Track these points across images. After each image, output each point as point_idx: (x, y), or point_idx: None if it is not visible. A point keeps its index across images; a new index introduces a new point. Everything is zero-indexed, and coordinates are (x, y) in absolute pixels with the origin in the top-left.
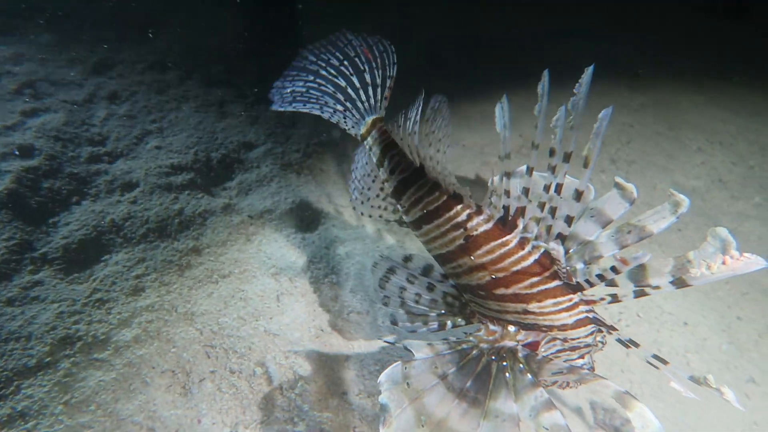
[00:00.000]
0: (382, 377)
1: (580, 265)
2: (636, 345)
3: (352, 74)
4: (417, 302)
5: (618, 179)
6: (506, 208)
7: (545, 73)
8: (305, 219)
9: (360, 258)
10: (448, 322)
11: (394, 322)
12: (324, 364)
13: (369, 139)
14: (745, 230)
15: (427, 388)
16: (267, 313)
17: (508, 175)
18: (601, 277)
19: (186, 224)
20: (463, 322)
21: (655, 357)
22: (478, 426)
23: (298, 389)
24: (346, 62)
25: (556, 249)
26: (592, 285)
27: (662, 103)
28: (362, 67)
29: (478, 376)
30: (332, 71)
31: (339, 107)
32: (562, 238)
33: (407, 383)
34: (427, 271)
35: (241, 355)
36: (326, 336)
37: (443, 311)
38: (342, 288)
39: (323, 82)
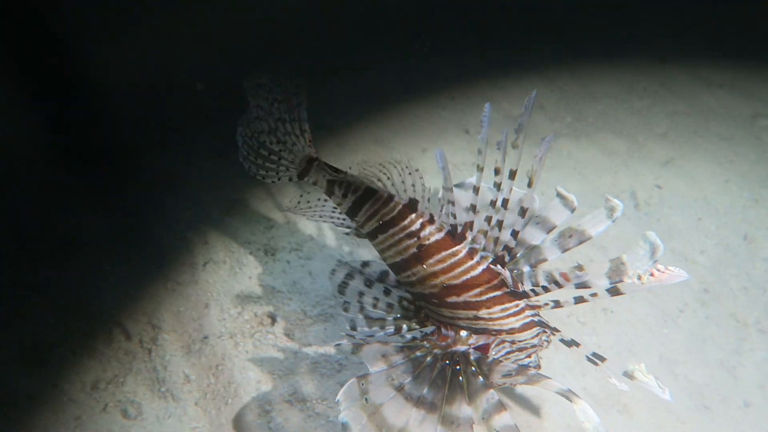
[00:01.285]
0: (340, 396)
1: (526, 269)
2: (577, 345)
3: (279, 118)
4: (375, 306)
5: (559, 189)
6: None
7: (486, 107)
8: None
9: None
10: (404, 326)
11: (353, 327)
12: None
13: (311, 175)
14: (558, 146)
15: (385, 401)
16: None
17: (476, 189)
18: (545, 288)
19: None
20: (417, 326)
21: (594, 354)
22: (436, 431)
23: None
24: (275, 103)
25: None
26: (537, 294)
27: None
28: (281, 115)
29: (434, 382)
30: (263, 122)
31: (276, 148)
32: (508, 249)
33: (365, 399)
34: (383, 276)
35: None
36: None
37: (399, 315)
38: None
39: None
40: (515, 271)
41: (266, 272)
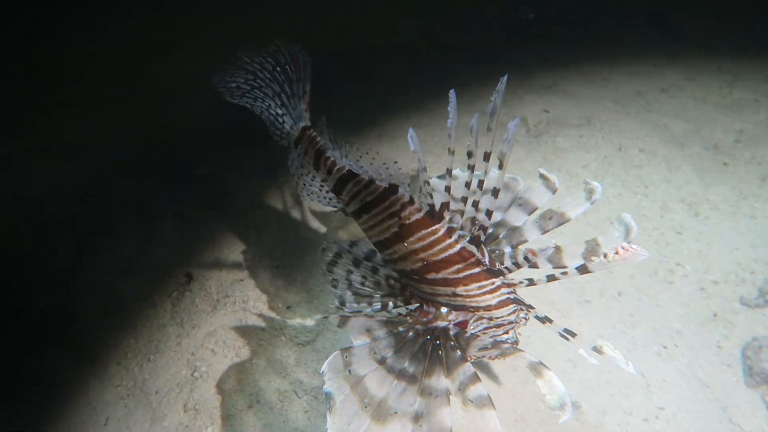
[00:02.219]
0: (324, 367)
1: (507, 249)
2: (550, 321)
3: (284, 82)
4: (363, 284)
5: (542, 170)
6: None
7: (452, 94)
8: None
9: None
10: (390, 303)
11: (342, 303)
12: None
13: (301, 145)
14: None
15: (367, 373)
16: None
17: (449, 171)
18: (516, 264)
19: None
20: (402, 303)
21: (566, 330)
22: (415, 402)
23: None
24: (278, 69)
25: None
26: (510, 271)
27: None
28: (291, 76)
29: (415, 356)
30: (268, 75)
31: (279, 111)
32: (484, 229)
33: (348, 370)
34: (370, 255)
35: None
36: None
37: (386, 292)
38: None
39: (263, 84)
40: (496, 252)
41: None
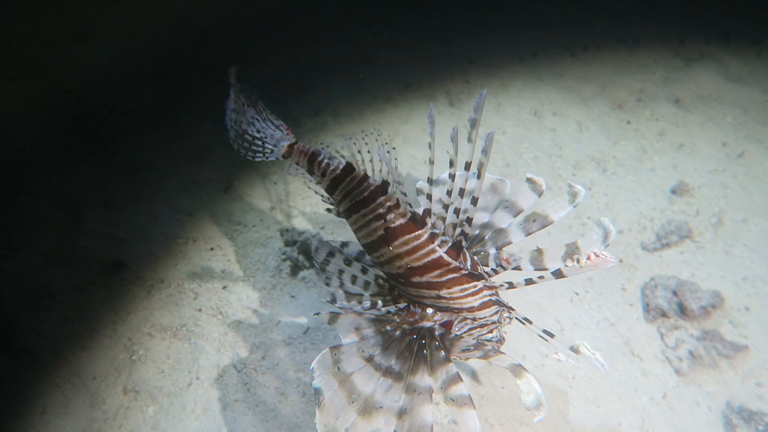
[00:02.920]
0: (314, 364)
1: (492, 251)
2: (530, 322)
3: (253, 119)
4: (353, 283)
5: (529, 175)
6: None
7: (430, 107)
8: None
9: None
10: (379, 302)
11: (333, 300)
12: None
13: (293, 156)
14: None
15: (355, 370)
16: None
17: (430, 181)
18: (501, 266)
19: None
20: (391, 301)
21: (545, 331)
22: (400, 399)
23: None
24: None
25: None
26: (496, 272)
27: None
28: (257, 116)
29: (401, 354)
30: (244, 120)
31: (257, 134)
32: (465, 235)
33: (337, 367)
34: (360, 255)
35: None
36: None
37: (375, 292)
38: None
39: (245, 128)
40: (482, 253)
41: None
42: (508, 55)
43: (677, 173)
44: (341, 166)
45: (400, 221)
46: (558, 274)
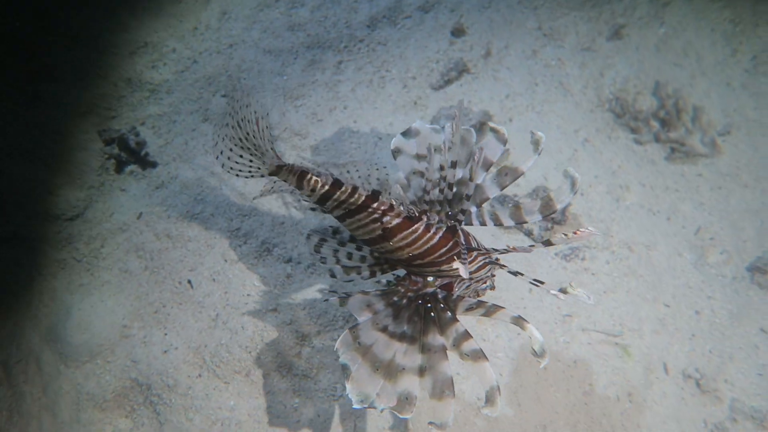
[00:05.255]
0: (337, 345)
1: (473, 209)
2: (521, 274)
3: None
4: (350, 258)
5: (491, 124)
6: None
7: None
8: None
9: None
10: (377, 271)
11: (332, 275)
12: None
13: (280, 175)
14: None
15: (374, 341)
16: None
17: (451, 186)
18: (482, 223)
19: None
20: (389, 269)
21: (535, 280)
22: (418, 358)
23: None
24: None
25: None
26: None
27: None
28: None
29: (411, 320)
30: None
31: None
32: (457, 219)
33: (358, 342)
34: (353, 238)
35: None
36: None
37: (372, 263)
38: None
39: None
40: (464, 211)
41: None
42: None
43: (454, 16)
44: (329, 183)
45: (396, 221)
46: (547, 243)
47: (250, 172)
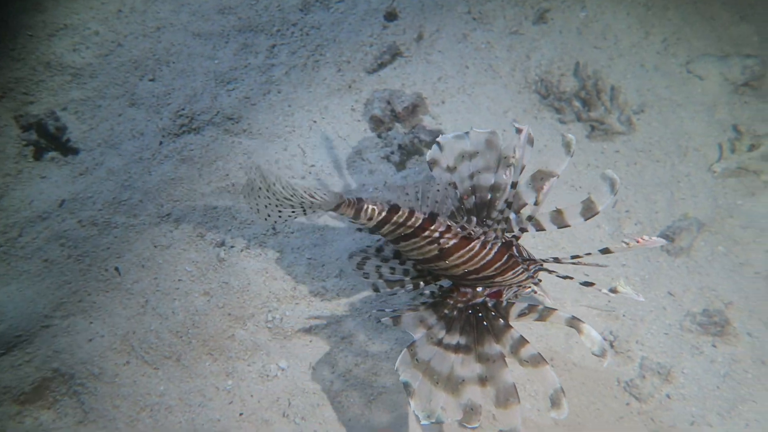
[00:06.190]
0: (397, 364)
1: (513, 216)
2: (571, 278)
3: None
4: (393, 273)
5: (516, 123)
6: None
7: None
8: None
9: None
10: (421, 283)
11: (376, 290)
12: None
13: (339, 210)
14: None
15: (431, 356)
16: None
17: (510, 205)
18: (523, 229)
19: None
20: (432, 280)
21: (585, 282)
22: (476, 368)
23: None
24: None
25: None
26: (520, 234)
27: None
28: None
29: (463, 330)
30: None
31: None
32: (514, 235)
33: (416, 359)
34: (397, 255)
35: None
36: None
37: (415, 275)
38: None
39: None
40: (504, 219)
41: None
42: None
43: (387, 0)
44: (386, 209)
45: (453, 242)
46: (606, 250)
47: (303, 212)
